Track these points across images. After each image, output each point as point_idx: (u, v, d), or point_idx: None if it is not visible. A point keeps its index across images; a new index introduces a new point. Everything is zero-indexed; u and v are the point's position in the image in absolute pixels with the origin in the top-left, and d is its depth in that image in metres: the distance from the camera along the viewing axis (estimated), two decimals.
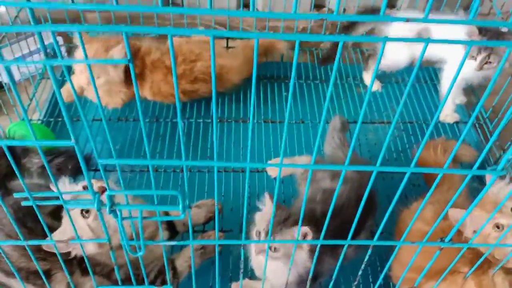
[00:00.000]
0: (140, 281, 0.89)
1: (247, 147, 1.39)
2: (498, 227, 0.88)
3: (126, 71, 1.31)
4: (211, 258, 1.06)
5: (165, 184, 1.27)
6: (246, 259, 0.99)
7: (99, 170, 1.13)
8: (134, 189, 1.27)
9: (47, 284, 0.87)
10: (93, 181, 0.84)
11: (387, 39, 0.45)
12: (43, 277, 0.85)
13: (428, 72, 1.63)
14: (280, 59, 1.66)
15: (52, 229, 0.84)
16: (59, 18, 1.67)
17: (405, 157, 1.36)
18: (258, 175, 1.31)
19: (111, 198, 0.67)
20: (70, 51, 1.63)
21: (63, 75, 1.59)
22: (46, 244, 0.81)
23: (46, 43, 1.40)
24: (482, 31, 1.24)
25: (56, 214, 0.91)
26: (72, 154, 1.17)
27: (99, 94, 1.35)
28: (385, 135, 1.45)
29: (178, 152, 1.34)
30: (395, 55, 1.43)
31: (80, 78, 1.30)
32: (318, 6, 1.93)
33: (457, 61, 1.30)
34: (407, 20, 0.44)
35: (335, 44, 1.52)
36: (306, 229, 0.85)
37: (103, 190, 0.77)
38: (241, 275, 0.90)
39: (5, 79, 1.46)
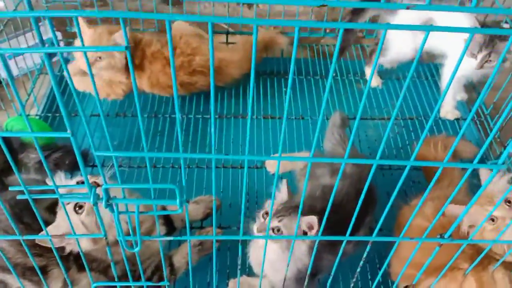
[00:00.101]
0: (137, 277, 0.88)
1: (246, 142, 1.38)
2: (492, 219, 0.88)
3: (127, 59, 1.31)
4: (209, 255, 1.05)
5: (164, 180, 1.26)
6: (244, 255, 0.98)
7: (97, 166, 1.12)
8: (133, 184, 1.26)
9: (43, 280, 0.86)
10: (89, 176, 0.83)
11: (388, 26, 0.44)
12: (39, 273, 0.84)
13: (429, 68, 1.62)
14: (280, 54, 1.65)
15: (49, 224, 0.83)
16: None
17: (405, 153, 1.35)
18: (257, 171, 1.30)
19: (107, 192, 0.66)
20: (69, 45, 1.61)
21: (62, 70, 1.58)
22: (41, 239, 0.80)
23: (44, 38, 1.39)
24: (483, 26, 1.24)
25: (53, 209, 0.90)
26: (70, 149, 1.16)
27: (100, 84, 1.36)
28: (385, 131, 1.43)
29: (177, 148, 1.33)
30: (399, 47, 1.42)
31: (81, 62, 1.31)
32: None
33: (458, 56, 1.29)
34: (408, 7, 0.44)
35: (347, 35, 1.51)
36: (314, 218, 0.84)
37: (96, 185, 0.76)
38: (238, 271, 0.89)
39: (3, 74, 1.45)
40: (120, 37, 1.27)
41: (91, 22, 1.46)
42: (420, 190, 1.21)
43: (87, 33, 1.27)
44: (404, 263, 0.90)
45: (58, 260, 0.81)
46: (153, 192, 0.69)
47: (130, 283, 0.88)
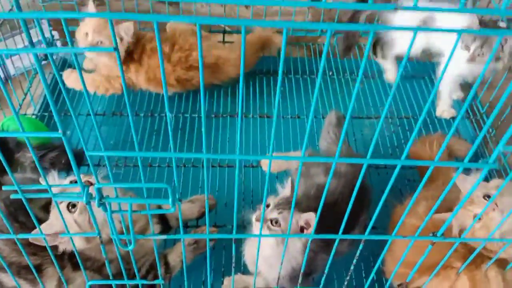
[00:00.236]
0: (132, 276, 0.89)
1: (242, 141, 1.39)
2: (481, 219, 0.88)
3: (127, 53, 1.35)
4: (204, 253, 1.05)
5: (160, 180, 1.27)
6: (239, 253, 0.98)
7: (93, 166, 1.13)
8: (129, 183, 1.26)
9: (38, 279, 0.87)
10: (82, 175, 0.83)
11: (376, 28, 0.45)
12: (34, 271, 0.85)
13: (425, 67, 1.62)
14: (276, 53, 1.65)
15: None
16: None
17: (400, 152, 1.35)
18: (253, 170, 1.31)
19: (100, 191, 0.66)
20: (66, 45, 1.62)
21: (60, 68, 1.58)
22: (35, 238, 0.80)
23: (40, 37, 1.40)
24: (481, 24, 1.24)
25: (48, 208, 0.91)
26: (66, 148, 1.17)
27: (99, 79, 1.37)
28: (381, 131, 1.44)
29: (173, 149, 1.33)
30: (406, 44, 1.42)
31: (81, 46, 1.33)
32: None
33: (454, 54, 1.29)
34: (396, 8, 0.44)
35: (350, 34, 1.51)
36: (312, 215, 0.84)
37: (90, 184, 0.76)
38: (233, 269, 0.90)
39: (0, 73, 1.46)
40: (123, 30, 1.30)
41: (99, 4, 1.46)
42: (415, 189, 1.20)
43: (95, 17, 1.29)
44: (398, 262, 0.90)
45: (53, 259, 0.81)
46: (147, 192, 0.69)
47: (125, 282, 0.88)
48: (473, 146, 0.64)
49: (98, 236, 0.77)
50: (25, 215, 0.92)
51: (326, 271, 0.90)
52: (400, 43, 1.44)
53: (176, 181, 0.68)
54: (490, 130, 1.41)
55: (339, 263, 0.98)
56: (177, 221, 1.06)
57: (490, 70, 1.31)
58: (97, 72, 1.42)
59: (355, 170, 1.07)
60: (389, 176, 0.70)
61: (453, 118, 1.46)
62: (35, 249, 0.87)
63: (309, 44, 1.72)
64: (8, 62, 1.54)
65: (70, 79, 1.42)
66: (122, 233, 0.76)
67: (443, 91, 1.45)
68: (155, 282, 0.91)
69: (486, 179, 0.97)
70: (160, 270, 0.88)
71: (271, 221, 0.87)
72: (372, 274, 0.93)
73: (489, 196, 0.91)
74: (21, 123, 0.62)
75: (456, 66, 1.33)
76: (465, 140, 1.34)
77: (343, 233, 0.80)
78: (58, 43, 1.65)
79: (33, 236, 0.79)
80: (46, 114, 1.44)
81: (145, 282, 0.91)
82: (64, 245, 0.84)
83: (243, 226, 1.14)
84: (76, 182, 0.82)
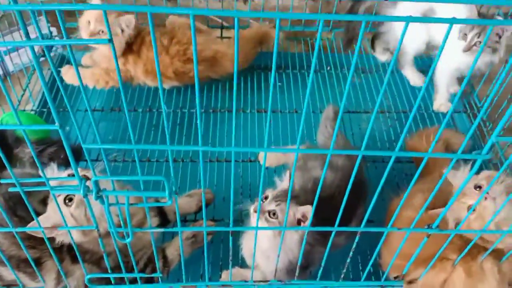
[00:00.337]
0: (130, 269, 0.89)
1: (240, 135, 1.40)
2: (475, 210, 0.89)
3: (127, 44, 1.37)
4: (202, 247, 1.06)
5: (157, 174, 1.27)
6: (237, 247, 0.99)
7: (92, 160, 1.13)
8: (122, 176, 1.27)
9: (37, 272, 0.88)
10: (79, 169, 0.84)
11: (366, 18, 0.45)
12: (33, 265, 0.86)
13: (423, 62, 1.62)
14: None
15: None
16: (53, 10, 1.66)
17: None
18: (250, 165, 1.31)
19: (97, 184, 0.67)
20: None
21: (59, 64, 1.58)
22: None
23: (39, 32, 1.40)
24: (480, 15, 1.25)
25: (46, 202, 0.92)
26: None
27: (98, 72, 1.38)
28: (378, 125, 1.44)
29: (171, 142, 1.34)
30: (410, 38, 1.43)
31: (84, 35, 1.34)
32: None
33: (451, 47, 1.29)
34: None
35: (351, 27, 1.52)
36: (309, 208, 0.85)
37: (86, 178, 0.77)
38: (230, 263, 0.91)
39: None
40: (124, 22, 1.32)
41: None
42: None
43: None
44: (394, 254, 0.91)
45: (51, 252, 0.82)
46: (145, 186, 0.70)
47: (123, 275, 0.89)
48: (466, 137, 0.65)
49: (96, 229, 0.78)
50: (24, 209, 0.92)
51: (323, 264, 0.91)
52: (405, 39, 1.44)
53: (173, 175, 0.68)
54: (488, 123, 1.42)
55: (336, 257, 0.99)
56: (175, 215, 1.07)
57: (486, 64, 1.32)
58: (96, 66, 1.43)
59: (352, 164, 1.07)
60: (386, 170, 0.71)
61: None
62: (34, 243, 0.88)
63: (307, 39, 1.72)
64: (6, 58, 1.54)
65: (69, 74, 1.42)
66: (119, 226, 0.76)
67: (440, 85, 1.45)
68: (154, 275, 0.92)
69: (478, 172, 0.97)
70: (158, 264, 0.88)
71: (269, 212, 0.87)
72: (369, 267, 0.94)
73: (480, 187, 0.91)
74: (19, 117, 0.62)
75: (453, 59, 1.34)
76: (462, 134, 1.35)
77: (340, 226, 0.81)
78: (57, 39, 1.65)
79: (32, 229, 0.80)
80: (45, 110, 1.45)
81: (143, 275, 0.92)
82: (61, 237, 0.85)
83: (241, 220, 1.16)
84: (73, 175, 0.83)
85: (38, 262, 0.89)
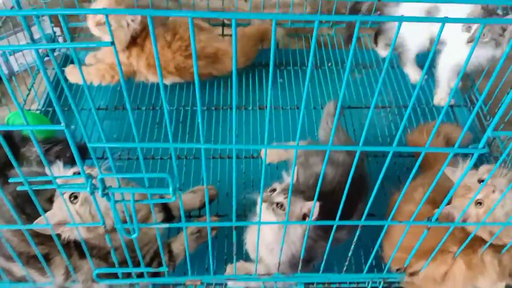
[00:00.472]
0: (137, 264, 0.92)
1: (242, 133, 1.41)
2: (480, 203, 0.90)
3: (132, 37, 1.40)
4: (206, 242, 1.08)
5: (162, 171, 1.29)
6: (242, 241, 1.01)
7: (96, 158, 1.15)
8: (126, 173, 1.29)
9: (46, 268, 0.90)
10: (85, 167, 0.86)
11: (360, 18, 0.47)
12: (42, 260, 0.88)
13: (424, 57, 1.63)
14: (276, 46, 1.67)
15: None
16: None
17: (399, 141, 1.37)
18: (253, 161, 1.33)
19: (103, 181, 0.69)
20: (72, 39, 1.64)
21: (62, 64, 1.60)
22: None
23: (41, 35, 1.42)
24: (484, 10, 1.24)
25: (53, 200, 0.94)
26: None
27: (104, 67, 1.39)
28: (380, 120, 1.45)
29: (174, 140, 1.36)
30: (412, 35, 1.44)
31: (90, 23, 1.36)
32: None
33: (455, 43, 1.30)
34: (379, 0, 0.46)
35: (353, 24, 1.53)
36: (316, 204, 0.86)
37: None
38: (234, 257, 0.92)
39: (4, 69, 1.49)
40: (130, 17, 1.35)
41: None
42: (413, 178, 1.23)
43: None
44: (395, 247, 0.93)
45: (60, 248, 0.84)
46: (149, 183, 0.72)
47: (130, 269, 0.91)
48: (463, 130, 0.66)
49: (103, 226, 0.80)
50: (31, 207, 0.94)
51: (325, 258, 0.93)
52: (409, 38, 1.45)
53: (176, 172, 0.70)
54: (488, 117, 1.42)
55: (339, 251, 1.01)
56: (180, 210, 1.09)
57: (488, 59, 1.32)
58: (101, 62, 1.46)
59: (353, 160, 1.09)
60: (389, 165, 0.72)
61: (451, 106, 1.48)
62: (43, 239, 0.90)
63: (308, 35, 1.73)
64: (11, 58, 1.56)
65: (73, 74, 1.44)
66: (125, 222, 0.78)
67: (442, 80, 1.46)
68: (160, 269, 0.94)
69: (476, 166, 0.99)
70: (164, 258, 0.90)
71: (277, 204, 0.89)
72: (371, 260, 0.95)
73: (483, 181, 0.92)
74: (25, 117, 0.64)
75: (456, 53, 1.34)
76: (462, 128, 1.36)
77: (342, 220, 0.82)
78: (60, 39, 1.67)
79: (41, 226, 0.82)
80: (50, 109, 1.47)
81: (150, 269, 0.94)
82: (66, 234, 0.87)
83: (244, 215, 1.17)
84: (79, 173, 0.85)
85: (47, 258, 0.91)
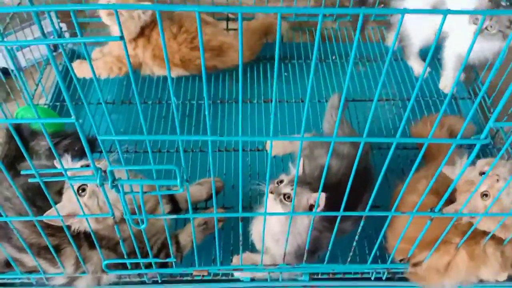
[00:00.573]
0: (145, 254, 0.93)
1: (247, 126, 1.43)
2: (486, 195, 0.90)
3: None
4: (213, 234, 1.10)
5: (168, 164, 1.30)
6: (247, 232, 1.03)
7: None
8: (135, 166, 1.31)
9: (56, 258, 0.92)
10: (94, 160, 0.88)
11: (364, 10, 0.48)
12: (53, 251, 0.90)
13: (428, 50, 1.63)
14: (280, 39, 1.67)
15: None
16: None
17: (403, 133, 1.37)
18: (258, 153, 1.35)
19: (112, 173, 0.71)
20: (74, 36, 1.66)
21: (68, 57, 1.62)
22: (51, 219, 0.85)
23: (49, 29, 1.43)
24: (491, 1, 1.24)
25: (62, 192, 0.96)
26: (79, 136, 1.21)
27: (111, 60, 1.40)
28: (384, 112, 1.46)
29: (181, 132, 1.37)
30: (417, 29, 1.44)
31: (103, 15, 1.37)
32: None
33: (460, 33, 1.30)
34: None
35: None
36: (322, 195, 0.86)
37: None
38: (240, 247, 0.94)
39: (11, 65, 1.50)
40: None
41: None
42: (417, 169, 1.23)
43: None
44: (399, 238, 0.94)
45: (70, 239, 0.86)
46: (156, 174, 0.73)
47: (139, 260, 0.93)
48: (465, 121, 0.67)
49: (112, 217, 0.82)
50: (42, 200, 0.97)
51: (330, 248, 0.94)
52: (414, 31, 1.46)
53: (184, 164, 0.72)
54: (492, 110, 1.43)
55: (343, 241, 1.02)
56: (187, 202, 1.11)
57: (494, 52, 1.32)
58: (108, 55, 1.47)
59: (358, 152, 1.10)
60: (393, 157, 0.73)
61: (455, 99, 1.48)
62: (53, 231, 0.92)
63: (312, 28, 1.74)
64: (19, 54, 1.58)
65: (80, 68, 1.46)
66: (133, 213, 0.80)
67: (448, 66, 1.46)
68: (168, 260, 0.96)
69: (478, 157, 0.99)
70: (172, 249, 0.92)
71: (284, 195, 0.91)
72: (375, 250, 0.97)
73: (484, 173, 0.93)
74: (37, 111, 0.66)
75: (461, 45, 1.35)
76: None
77: (346, 211, 0.84)
78: (66, 35, 1.69)
79: (52, 218, 0.84)
80: (57, 104, 1.49)
81: (158, 260, 0.96)
82: (76, 225, 0.89)
83: (250, 207, 1.19)
84: (87, 166, 0.87)
85: (58, 249, 0.93)
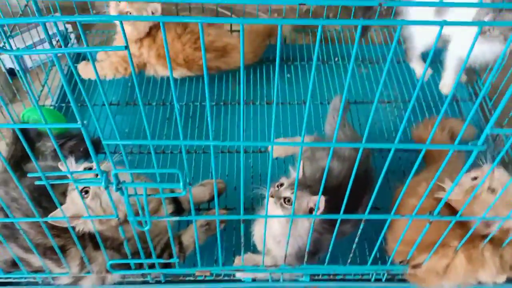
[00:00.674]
0: (148, 255, 0.95)
1: (250, 128, 1.44)
2: (493, 190, 0.91)
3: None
4: (215, 234, 1.11)
5: (172, 165, 1.33)
6: (249, 234, 1.04)
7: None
8: (143, 169, 1.33)
9: (62, 259, 0.94)
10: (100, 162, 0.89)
11: (362, 22, 0.49)
12: (59, 252, 0.92)
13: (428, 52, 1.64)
14: (283, 41, 1.69)
15: None
16: (68, 6, 1.71)
17: (404, 136, 1.39)
18: (261, 155, 1.36)
19: (117, 176, 0.72)
20: (79, 38, 1.68)
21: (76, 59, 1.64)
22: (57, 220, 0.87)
23: (55, 30, 1.45)
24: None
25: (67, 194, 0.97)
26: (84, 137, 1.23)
27: (117, 60, 1.42)
28: (386, 115, 1.47)
29: (184, 135, 1.39)
30: (423, 35, 1.45)
31: (113, 13, 1.39)
32: None
33: (462, 36, 1.31)
34: (380, 4, 0.48)
35: (367, 12, 1.55)
36: (322, 198, 0.88)
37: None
38: (242, 248, 0.96)
39: (17, 66, 1.52)
40: (151, 9, 1.37)
41: None
42: (418, 172, 1.24)
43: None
44: (398, 240, 0.95)
45: (75, 240, 0.88)
46: (160, 176, 0.75)
47: (143, 260, 0.95)
48: (464, 125, 0.68)
49: (117, 218, 0.83)
50: (47, 200, 0.98)
51: (330, 250, 0.95)
52: (419, 34, 1.47)
53: (187, 167, 0.73)
54: (493, 112, 1.43)
55: (344, 243, 1.03)
56: (190, 203, 1.12)
57: (496, 54, 1.32)
58: (113, 55, 1.49)
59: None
60: (394, 160, 0.74)
61: (456, 101, 1.49)
62: (59, 232, 0.94)
63: (315, 30, 1.75)
64: (25, 56, 1.60)
65: (85, 70, 1.48)
66: (137, 214, 0.82)
67: (449, 66, 1.47)
68: (171, 260, 0.98)
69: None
70: (175, 250, 0.94)
71: (285, 199, 0.92)
72: (374, 252, 0.98)
73: (476, 178, 0.95)
74: (43, 114, 0.67)
75: (462, 47, 1.35)
76: (468, 123, 1.37)
77: (347, 214, 0.85)
78: (72, 36, 1.71)
79: (57, 219, 0.86)
80: (63, 105, 1.51)
81: (161, 260, 0.97)
82: (80, 226, 0.90)
83: (252, 208, 1.21)
84: (89, 168, 0.89)
85: (63, 250, 0.95)
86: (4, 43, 1.32)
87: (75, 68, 1.52)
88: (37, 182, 0.75)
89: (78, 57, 1.67)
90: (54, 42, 1.63)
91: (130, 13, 1.35)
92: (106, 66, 1.48)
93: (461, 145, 0.69)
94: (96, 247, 0.94)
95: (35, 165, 0.72)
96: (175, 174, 1.29)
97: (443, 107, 0.65)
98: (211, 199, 1.19)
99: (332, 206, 0.88)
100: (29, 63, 1.64)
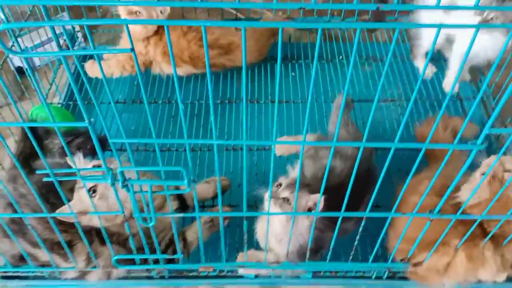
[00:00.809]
0: (153, 251, 0.97)
1: (254, 126, 1.45)
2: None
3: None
4: (219, 231, 1.13)
5: (177, 163, 1.34)
6: (252, 231, 1.06)
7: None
8: (149, 166, 1.35)
9: (69, 253, 0.96)
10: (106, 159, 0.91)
11: (360, 25, 0.50)
12: (66, 247, 0.94)
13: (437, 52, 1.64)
14: (288, 39, 1.70)
15: None
16: (75, 6, 1.74)
17: (408, 134, 1.39)
18: (265, 153, 1.37)
19: (123, 174, 0.74)
20: (87, 37, 1.69)
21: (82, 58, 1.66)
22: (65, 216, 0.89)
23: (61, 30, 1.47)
24: None
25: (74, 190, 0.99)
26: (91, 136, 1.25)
27: (124, 58, 1.44)
28: (389, 113, 1.48)
29: (189, 133, 1.41)
30: (426, 32, 1.45)
31: (122, 13, 1.41)
32: None
33: (465, 33, 1.32)
34: (377, 8, 0.49)
35: (377, 15, 1.55)
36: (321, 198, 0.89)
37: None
38: (245, 245, 0.97)
39: (25, 64, 1.55)
40: (160, 8, 1.39)
41: None
42: (421, 170, 1.25)
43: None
44: (402, 239, 0.96)
45: (82, 235, 0.90)
46: (165, 174, 0.77)
47: (147, 256, 0.97)
48: (463, 123, 0.69)
49: (123, 214, 0.85)
50: (55, 197, 1.00)
51: (331, 247, 0.97)
52: (426, 34, 1.47)
53: (191, 165, 0.75)
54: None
55: (346, 241, 1.04)
56: (194, 200, 1.14)
57: (496, 51, 1.32)
58: (120, 53, 1.51)
59: (362, 152, 1.12)
60: (396, 158, 0.75)
61: (460, 100, 1.49)
62: (66, 227, 0.96)
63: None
64: None
65: (93, 69, 1.50)
66: (142, 211, 0.84)
67: (453, 63, 1.47)
68: (175, 256, 1.00)
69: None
70: (179, 245, 0.96)
71: (283, 199, 0.94)
72: (376, 249, 0.99)
73: (484, 173, 0.95)
74: (51, 113, 0.69)
75: (466, 43, 1.36)
76: (471, 122, 1.37)
77: (348, 212, 0.86)
78: (79, 34, 1.73)
79: (65, 215, 0.88)
80: (71, 103, 1.53)
81: (166, 256, 0.99)
82: (86, 222, 0.92)
83: (255, 206, 1.22)
84: (98, 166, 0.91)
85: (70, 245, 0.97)
86: (13, 43, 1.36)
87: (82, 68, 1.54)
88: (45, 179, 0.77)
89: (85, 56, 1.69)
90: (61, 42, 1.66)
91: (139, 12, 1.37)
92: (113, 64, 1.50)
93: (460, 144, 0.70)
94: (102, 242, 0.96)
95: (43, 162, 0.74)
96: (180, 172, 1.31)
97: (443, 105, 0.66)
98: (215, 196, 1.20)
99: (334, 205, 0.90)
100: (37, 62, 1.67)
